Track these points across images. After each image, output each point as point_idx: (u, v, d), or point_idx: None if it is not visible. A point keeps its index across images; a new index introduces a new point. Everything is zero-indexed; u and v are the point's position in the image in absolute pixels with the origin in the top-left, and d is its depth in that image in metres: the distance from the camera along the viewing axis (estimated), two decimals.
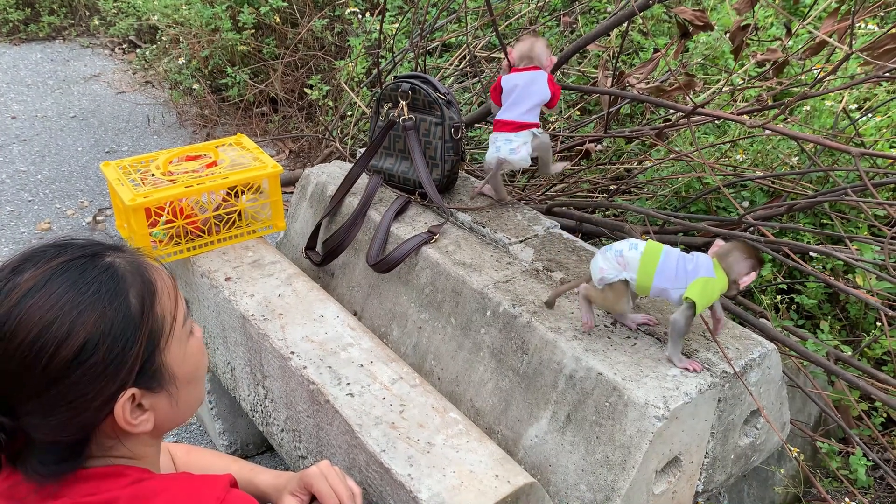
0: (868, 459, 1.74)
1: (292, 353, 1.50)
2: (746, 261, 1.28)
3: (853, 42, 1.62)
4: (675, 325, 1.28)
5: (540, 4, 3.24)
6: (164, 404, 0.94)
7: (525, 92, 1.69)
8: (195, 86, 4.29)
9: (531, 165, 1.77)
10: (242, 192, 1.85)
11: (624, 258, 1.29)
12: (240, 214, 1.86)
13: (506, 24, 3.31)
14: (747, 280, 1.28)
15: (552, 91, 1.71)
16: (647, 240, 1.32)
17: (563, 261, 1.62)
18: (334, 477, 1.17)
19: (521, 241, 1.69)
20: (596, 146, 2.59)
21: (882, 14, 2.88)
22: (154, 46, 4.96)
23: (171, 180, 1.77)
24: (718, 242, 1.33)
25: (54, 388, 0.83)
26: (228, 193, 1.84)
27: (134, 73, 5.11)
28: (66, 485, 0.88)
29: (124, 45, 5.62)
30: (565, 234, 1.74)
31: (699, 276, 1.26)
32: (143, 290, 0.89)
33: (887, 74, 1.77)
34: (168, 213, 1.74)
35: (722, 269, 1.28)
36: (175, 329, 0.93)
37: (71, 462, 0.88)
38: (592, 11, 3.50)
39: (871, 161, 2.23)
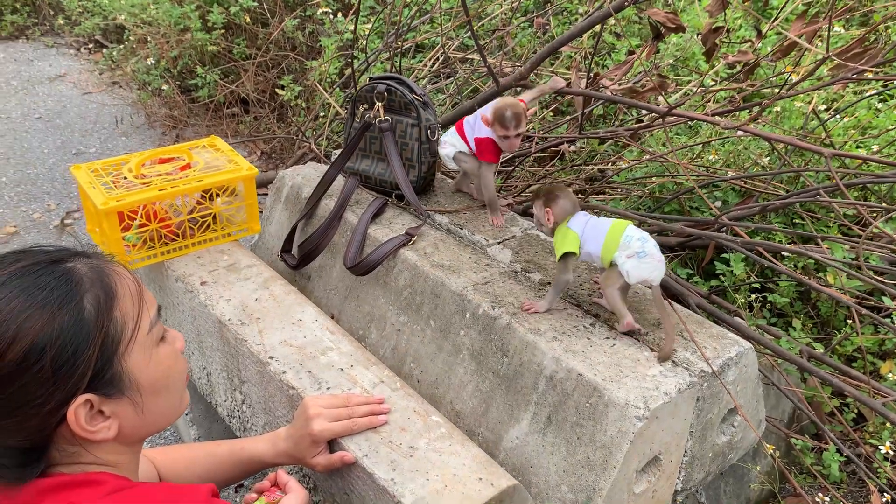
0: (841, 455, 1.77)
1: (271, 357, 1.48)
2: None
3: (826, 45, 1.65)
4: None
5: (513, 6, 3.25)
6: (129, 412, 0.92)
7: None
8: (164, 86, 4.23)
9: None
10: (217, 195, 1.82)
11: (650, 242, 1.36)
12: (215, 218, 1.84)
13: (479, 24, 3.31)
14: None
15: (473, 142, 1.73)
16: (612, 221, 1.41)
17: (540, 262, 1.62)
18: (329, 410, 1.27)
19: (499, 243, 1.69)
20: (570, 147, 2.61)
21: (848, 17, 2.93)
22: (121, 46, 4.87)
23: (145, 183, 1.74)
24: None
25: (2, 393, 0.82)
26: (203, 196, 1.82)
27: (101, 74, 5.02)
28: (40, 492, 0.86)
29: (90, 45, 5.52)
30: (542, 235, 1.74)
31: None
32: (100, 296, 0.88)
33: (854, 76, 1.81)
34: (141, 216, 1.71)
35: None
36: (138, 335, 0.91)
37: (32, 467, 0.87)
38: (565, 13, 3.51)
39: (840, 161, 2.27)
